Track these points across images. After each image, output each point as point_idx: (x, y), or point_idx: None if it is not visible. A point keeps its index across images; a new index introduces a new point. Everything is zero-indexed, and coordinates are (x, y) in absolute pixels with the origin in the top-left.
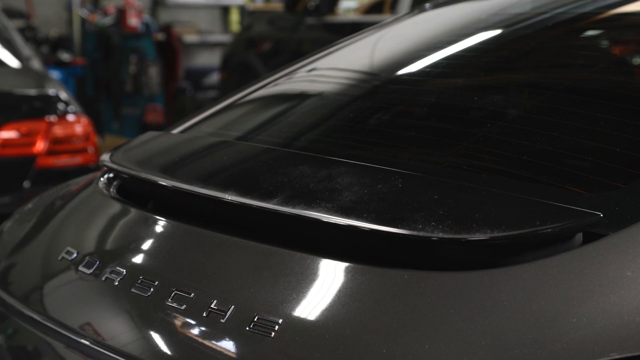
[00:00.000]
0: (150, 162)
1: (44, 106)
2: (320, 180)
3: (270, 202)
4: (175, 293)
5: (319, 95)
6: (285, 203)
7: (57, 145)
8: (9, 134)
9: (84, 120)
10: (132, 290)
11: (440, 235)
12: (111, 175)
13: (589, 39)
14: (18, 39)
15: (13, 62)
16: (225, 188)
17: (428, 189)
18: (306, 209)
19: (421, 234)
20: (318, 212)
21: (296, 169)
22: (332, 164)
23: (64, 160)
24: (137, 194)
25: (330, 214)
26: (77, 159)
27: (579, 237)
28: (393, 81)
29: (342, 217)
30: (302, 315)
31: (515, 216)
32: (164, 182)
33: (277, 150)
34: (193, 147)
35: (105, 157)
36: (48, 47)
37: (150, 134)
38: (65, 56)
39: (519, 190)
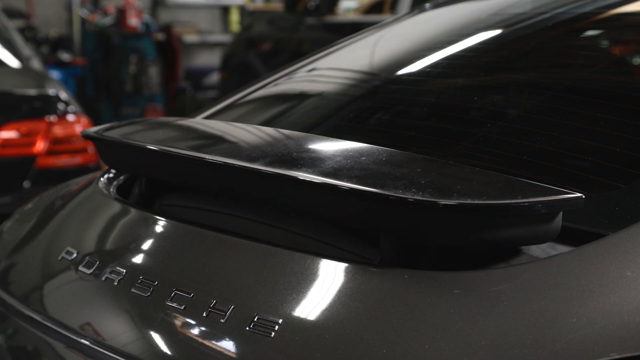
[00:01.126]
0: (134, 133)
1: (44, 106)
2: (304, 151)
3: (252, 163)
4: (175, 293)
5: (319, 95)
6: (267, 165)
7: (57, 145)
8: (9, 134)
9: (84, 120)
10: (132, 290)
11: (417, 197)
12: (111, 175)
13: (589, 39)
14: (18, 39)
15: (13, 62)
16: (206, 151)
17: (413, 163)
18: (288, 170)
19: (398, 195)
20: (297, 172)
21: (280, 141)
22: (315, 139)
23: (64, 160)
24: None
25: (309, 174)
26: (77, 159)
27: (559, 220)
28: (393, 81)
29: (321, 177)
30: (302, 315)
31: (494, 189)
32: (146, 146)
33: (261, 128)
34: (179, 127)
35: (90, 130)
36: (48, 47)
37: (138, 120)
38: (65, 56)
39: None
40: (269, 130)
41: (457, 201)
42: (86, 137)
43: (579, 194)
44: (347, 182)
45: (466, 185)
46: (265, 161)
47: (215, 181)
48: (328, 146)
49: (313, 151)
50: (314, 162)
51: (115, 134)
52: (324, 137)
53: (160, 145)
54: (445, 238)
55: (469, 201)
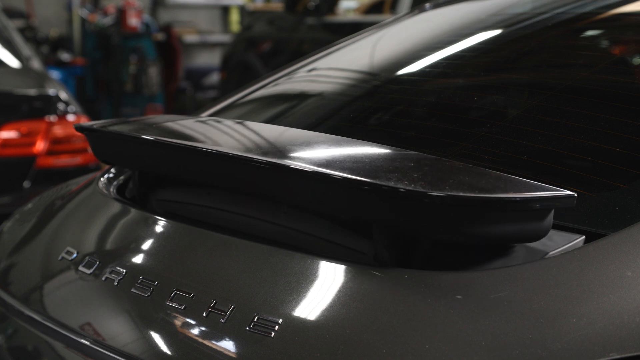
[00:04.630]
0: (129, 126)
1: (44, 106)
2: (297, 144)
3: (248, 153)
4: (175, 293)
5: (319, 95)
6: (262, 155)
7: (57, 145)
8: (9, 134)
9: (84, 120)
10: (132, 290)
11: (407, 188)
12: (111, 175)
13: (589, 39)
14: (18, 39)
15: (13, 62)
16: (200, 142)
17: (407, 158)
18: (283, 160)
19: (389, 185)
20: (291, 162)
21: (273, 135)
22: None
23: (64, 160)
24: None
25: (304, 165)
26: (77, 159)
27: (550, 218)
28: (393, 81)
29: (315, 167)
30: (302, 315)
31: (485, 183)
32: (142, 136)
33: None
34: (174, 122)
35: (84, 124)
36: (48, 47)
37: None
38: (65, 56)
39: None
40: (261, 125)
41: (447, 193)
42: (79, 129)
43: (571, 192)
44: (341, 172)
45: (458, 179)
46: (258, 152)
47: (208, 172)
48: (320, 140)
49: (306, 144)
50: (307, 153)
51: (109, 127)
52: (316, 132)
53: (155, 136)
54: (434, 231)
55: (458, 194)
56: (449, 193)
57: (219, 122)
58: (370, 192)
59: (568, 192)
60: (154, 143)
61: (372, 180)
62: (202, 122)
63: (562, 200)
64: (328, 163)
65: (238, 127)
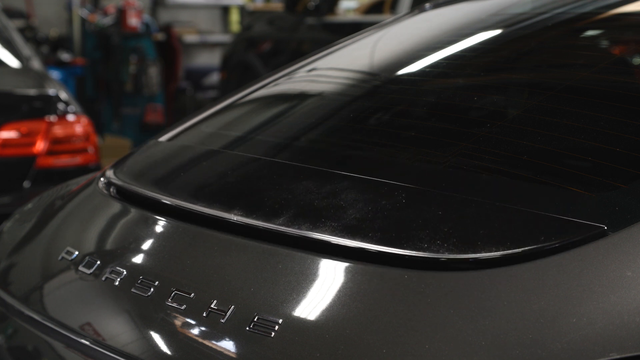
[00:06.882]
0: (156, 178)
1: (44, 106)
2: (324, 197)
3: (275, 222)
4: (175, 293)
5: (319, 95)
6: (289, 224)
7: (57, 145)
8: (9, 134)
9: (84, 120)
10: (132, 290)
11: (447, 255)
12: (111, 175)
13: (589, 39)
14: (18, 39)
15: (13, 62)
16: (232, 207)
17: (431, 204)
18: (311, 231)
19: (428, 255)
20: (323, 233)
21: (300, 184)
22: (334, 177)
23: (64, 160)
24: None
25: (335, 235)
26: (77, 159)
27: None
28: (393, 81)
29: (348, 239)
30: (302, 315)
31: (521, 233)
32: (172, 202)
33: (282, 164)
34: (199, 161)
35: (110, 174)
36: (48, 47)
37: (153, 144)
38: (65, 56)
39: (520, 197)
40: (284, 166)
41: (489, 255)
42: (108, 184)
43: (602, 226)
44: (371, 243)
45: (489, 228)
46: (287, 218)
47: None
48: (342, 188)
49: (330, 197)
50: (334, 214)
51: (136, 177)
52: (332, 172)
53: (177, 201)
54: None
55: (496, 253)
56: (492, 255)
57: (234, 163)
58: (408, 263)
59: (598, 225)
60: (180, 210)
61: (410, 253)
62: (220, 166)
63: (593, 236)
64: (355, 227)
65: (257, 174)
